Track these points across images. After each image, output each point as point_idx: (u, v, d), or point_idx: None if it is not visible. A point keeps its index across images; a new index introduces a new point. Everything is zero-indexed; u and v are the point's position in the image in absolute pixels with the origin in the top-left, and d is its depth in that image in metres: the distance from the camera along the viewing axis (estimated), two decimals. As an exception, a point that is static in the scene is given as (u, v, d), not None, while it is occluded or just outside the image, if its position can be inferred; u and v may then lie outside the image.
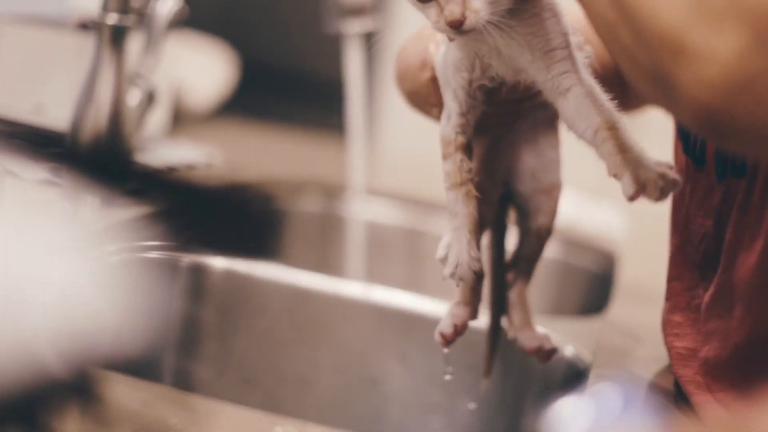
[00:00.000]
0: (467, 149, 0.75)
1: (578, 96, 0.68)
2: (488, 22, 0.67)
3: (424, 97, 0.81)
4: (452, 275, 0.73)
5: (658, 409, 0.54)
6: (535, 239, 0.83)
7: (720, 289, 0.75)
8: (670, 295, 0.82)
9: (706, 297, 0.76)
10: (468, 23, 0.67)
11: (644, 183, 0.64)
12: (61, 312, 0.77)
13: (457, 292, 0.81)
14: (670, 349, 0.81)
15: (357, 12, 1.27)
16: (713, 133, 0.62)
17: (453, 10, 0.66)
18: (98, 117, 1.07)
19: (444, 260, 0.74)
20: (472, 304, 0.81)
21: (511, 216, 0.85)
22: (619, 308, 1.07)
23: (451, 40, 0.72)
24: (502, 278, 0.85)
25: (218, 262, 1.07)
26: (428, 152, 0.88)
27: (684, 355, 0.79)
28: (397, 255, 1.42)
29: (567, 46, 0.70)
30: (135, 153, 1.13)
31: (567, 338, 0.95)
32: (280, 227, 1.42)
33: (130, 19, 1.08)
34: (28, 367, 0.62)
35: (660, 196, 0.64)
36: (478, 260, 0.74)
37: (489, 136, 0.81)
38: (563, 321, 1.08)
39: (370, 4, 1.27)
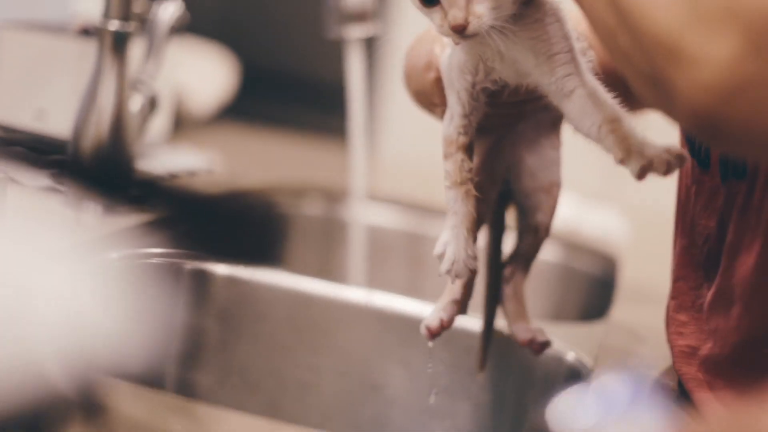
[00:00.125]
0: (468, 149, 0.76)
1: (582, 96, 0.70)
2: (491, 27, 0.68)
3: (429, 97, 0.83)
4: (448, 272, 0.75)
5: (663, 402, 0.54)
6: (533, 236, 0.84)
7: (721, 288, 0.76)
8: (676, 294, 0.83)
9: (708, 296, 0.78)
10: (471, 28, 0.68)
11: (651, 159, 0.66)
12: (63, 319, 0.77)
13: (448, 288, 0.83)
14: (673, 346, 0.82)
15: (358, 17, 1.27)
16: (709, 136, 0.64)
17: (456, 16, 0.68)
18: (100, 123, 1.07)
19: (441, 257, 0.76)
20: (461, 300, 0.82)
21: (512, 213, 0.87)
22: (621, 311, 1.07)
23: (456, 43, 0.74)
24: (498, 275, 0.87)
25: (220, 269, 1.07)
26: (429, 157, 0.89)
27: (686, 353, 0.80)
28: (399, 259, 1.43)
29: (570, 50, 0.71)
30: (136, 159, 1.13)
31: (569, 343, 0.95)
32: (282, 231, 1.42)
33: (131, 26, 1.09)
34: (31, 375, 0.62)
35: (667, 170, 0.66)
36: (475, 258, 0.76)
37: (491, 136, 0.82)
38: (565, 326, 1.08)
39: (371, 10, 1.27)
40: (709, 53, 0.58)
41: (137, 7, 1.11)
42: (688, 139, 0.81)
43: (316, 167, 1.63)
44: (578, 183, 1.12)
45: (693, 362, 0.79)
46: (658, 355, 0.87)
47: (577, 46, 0.72)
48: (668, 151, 0.66)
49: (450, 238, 0.75)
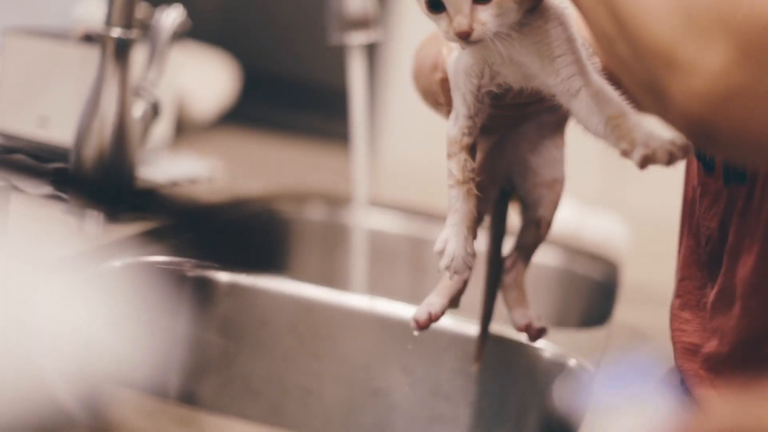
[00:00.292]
0: (472, 150, 0.78)
1: (588, 96, 0.71)
2: (496, 33, 0.70)
3: (435, 96, 0.85)
4: (447, 268, 0.77)
5: (671, 389, 0.55)
6: (535, 230, 0.86)
7: (723, 288, 0.77)
8: (681, 293, 0.84)
9: (711, 296, 0.79)
10: (475, 35, 0.70)
11: (654, 149, 0.67)
12: (66, 328, 0.77)
13: (442, 282, 0.84)
14: (675, 342, 0.84)
15: (360, 24, 1.27)
16: (703, 142, 0.66)
17: (461, 22, 0.69)
18: (103, 131, 1.07)
19: (441, 253, 0.77)
20: (451, 295, 0.84)
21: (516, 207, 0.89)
22: (622, 315, 1.07)
23: (463, 47, 0.75)
24: (497, 270, 0.89)
25: (222, 276, 1.07)
26: (430, 162, 0.90)
27: (689, 350, 0.81)
28: (401, 264, 1.43)
29: (573, 51, 0.72)
30: (138, 167, 1.13)
31: (570, 349, 0.95)
32: (284, 237, 1.42)
33: (134, 32, 1.09)
34: (34, 385, 0.62)
35: (670, 161, 0.67)
36: (473, 256, 0.78)
37: (492, 136, 0.85)
38: (566, 332, 1.08)
39: (372, 16, 1.27)
40: (702, 62, 0.59)
41: (139, 14, 1.11)
42: None
43: (318, 172, 1.64)
44: (579, 188, 1.12)
45: (695, 359, 0.80)
46: (661, 356, 0.88)
47: (583, 49, 0.73)
48: (673, 142, 0.67)
49: (450, 235, 0.77)
